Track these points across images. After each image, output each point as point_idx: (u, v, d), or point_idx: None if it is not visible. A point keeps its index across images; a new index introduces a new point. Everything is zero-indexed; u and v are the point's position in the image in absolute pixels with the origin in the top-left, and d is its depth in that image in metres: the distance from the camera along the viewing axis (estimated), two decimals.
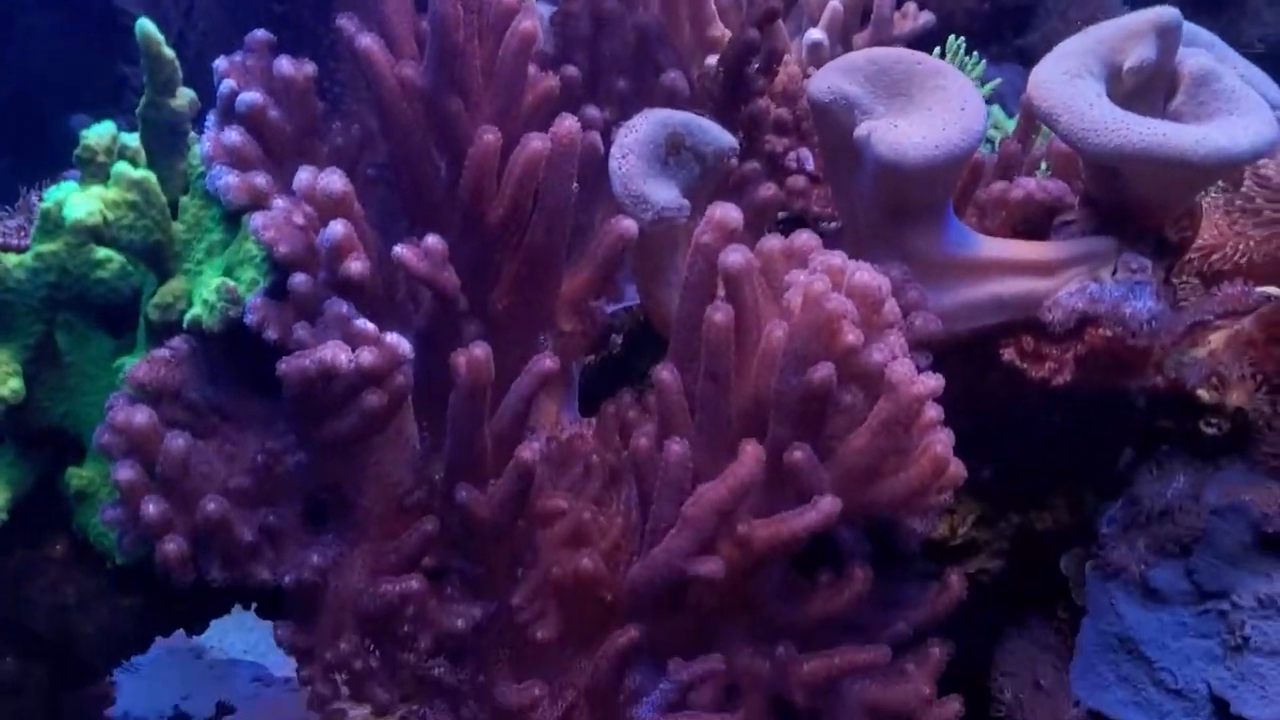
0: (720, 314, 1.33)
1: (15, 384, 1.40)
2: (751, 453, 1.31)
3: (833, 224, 1.76)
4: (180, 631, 2.46)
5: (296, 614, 1.38)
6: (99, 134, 1.41)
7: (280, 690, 2.21)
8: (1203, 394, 1.63)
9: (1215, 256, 1.79)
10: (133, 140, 1.44)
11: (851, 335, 1.29)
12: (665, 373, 1.38)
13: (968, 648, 1.51)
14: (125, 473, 1.31)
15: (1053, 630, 1.77)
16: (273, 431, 1.37)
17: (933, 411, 1.34)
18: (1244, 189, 1.73)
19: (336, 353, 1.23)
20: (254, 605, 1.79)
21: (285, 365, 1.26)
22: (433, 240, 1.33)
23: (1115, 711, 1.66)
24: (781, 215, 1.80)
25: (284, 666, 2.41)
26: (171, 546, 1.31)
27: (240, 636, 2.45)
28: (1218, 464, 1.65)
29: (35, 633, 1.49)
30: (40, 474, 1.51)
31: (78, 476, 1.48)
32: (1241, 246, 1.76)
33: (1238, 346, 1.64)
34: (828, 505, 1.30)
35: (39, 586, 1.54)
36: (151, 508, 1.30)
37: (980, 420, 1.58)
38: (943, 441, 1.32)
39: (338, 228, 1.28)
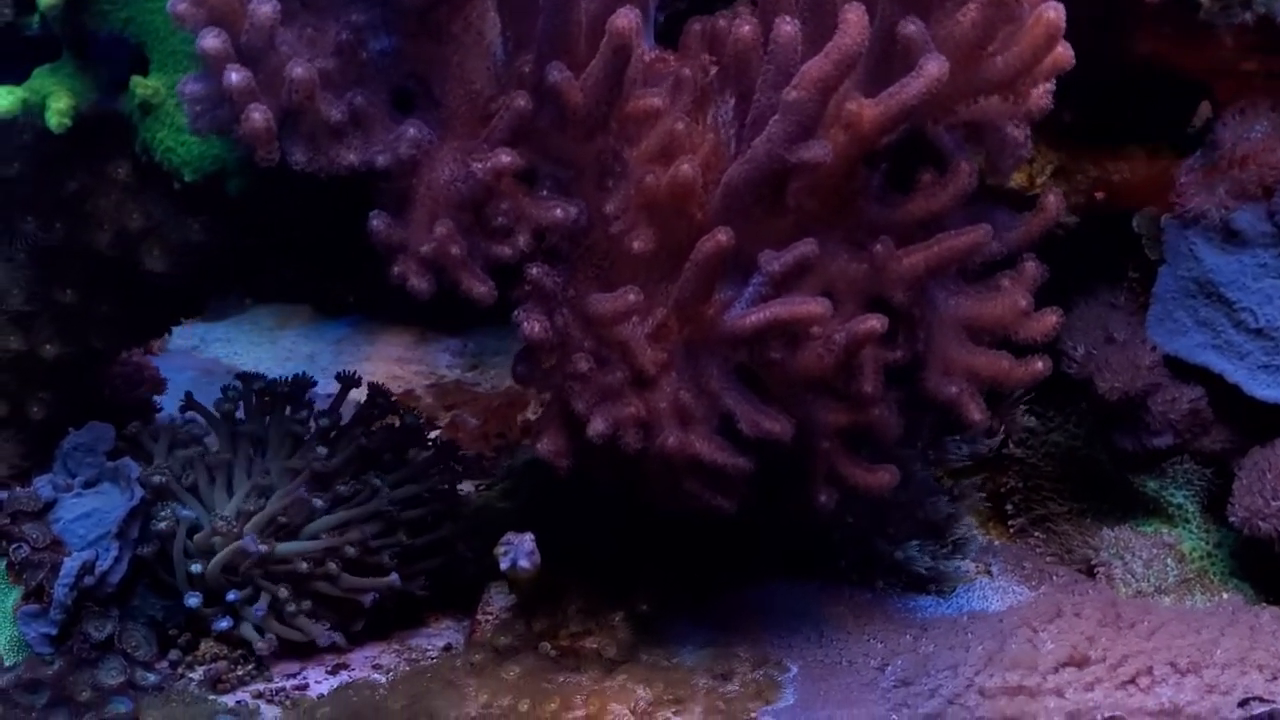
0: None
1: None
2: (855, 19, 1.25)
3: None
4: (217, 358, 2.44)
5: (389, 206, 1.32)
6: None
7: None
8: None
9: None
10: None
11: None
12: None
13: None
14: (210, 40, 1.24)
15: (1124, 290, 1.76)
16: (356, 8, 1.31)
17: None
18: None
19: None
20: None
21: None
22: None
23: (1194, 355, 1.66)
24: None
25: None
26: (257, 115, 1.24)
27: (278, 365, 2.41)
28: None
29: (99, 262, 1.43)
30: (102, 89, 1.44)
31: (142, 86, 1.41)
32: None
33: None
34: (934, 67, 1.25)
35: (101, 210, 1.48)
36: (235, 76, 1.24)
37: None
38: (1056, 8, 1.28)
39: None
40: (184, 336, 2.48)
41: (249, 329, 2.51)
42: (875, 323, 1.31)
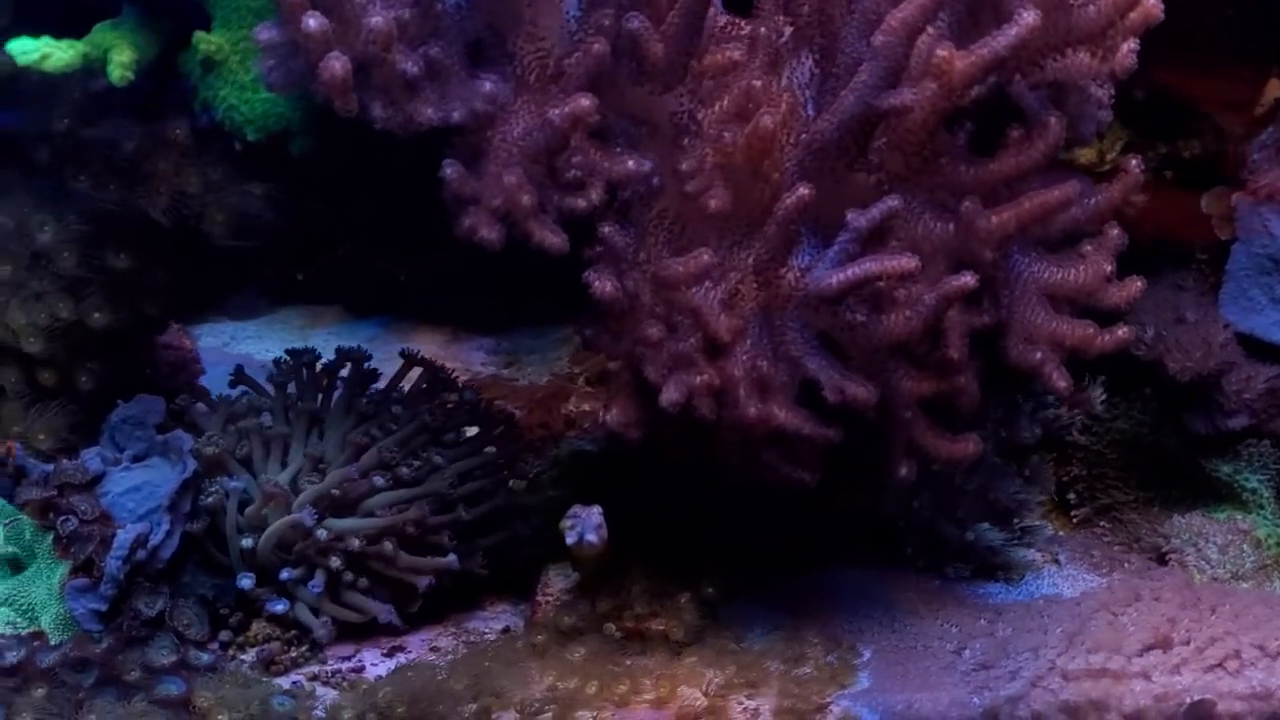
0: None
1: None
2: None
3: None
4: (250, 354, 2.38)
5: (463, 158, 1.28)
6: None
7: None
8: None
9: None
10: None
11: None
12: None
13: None
14: None
15: (1191, 273, 1.72)
16: None
17: None
18: None
19: None
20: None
21: None
22: None
23: (1270, 333, 1.62)
24: None
25: None
26: (337, 65, 1.20)
27: None
28: None
29: (154, 227, 1.39)
30: (162, 47, 1.40)
31: (206, 41, 1.38)
32: None
33: None
34: (1030, 16, 1.22)
35: (159, 173, 1.44)
36: (313, 21, 1.20)
37: None
38: None
39: None
40: (215, 335, 2.42)
41: (280, 328, 2.46)
42: (968, 279, 1.27)
